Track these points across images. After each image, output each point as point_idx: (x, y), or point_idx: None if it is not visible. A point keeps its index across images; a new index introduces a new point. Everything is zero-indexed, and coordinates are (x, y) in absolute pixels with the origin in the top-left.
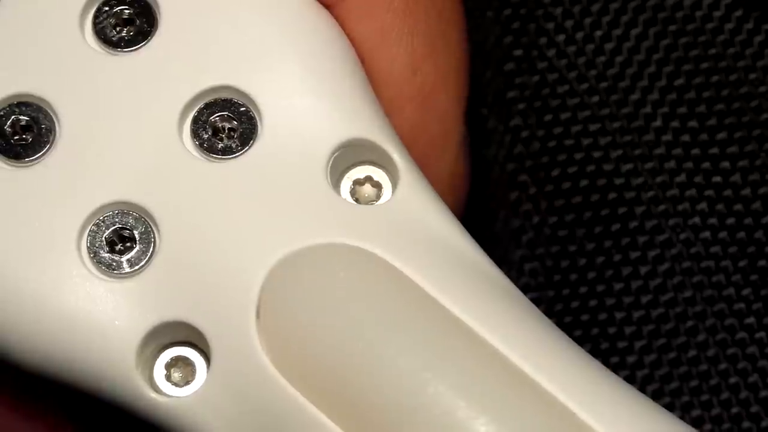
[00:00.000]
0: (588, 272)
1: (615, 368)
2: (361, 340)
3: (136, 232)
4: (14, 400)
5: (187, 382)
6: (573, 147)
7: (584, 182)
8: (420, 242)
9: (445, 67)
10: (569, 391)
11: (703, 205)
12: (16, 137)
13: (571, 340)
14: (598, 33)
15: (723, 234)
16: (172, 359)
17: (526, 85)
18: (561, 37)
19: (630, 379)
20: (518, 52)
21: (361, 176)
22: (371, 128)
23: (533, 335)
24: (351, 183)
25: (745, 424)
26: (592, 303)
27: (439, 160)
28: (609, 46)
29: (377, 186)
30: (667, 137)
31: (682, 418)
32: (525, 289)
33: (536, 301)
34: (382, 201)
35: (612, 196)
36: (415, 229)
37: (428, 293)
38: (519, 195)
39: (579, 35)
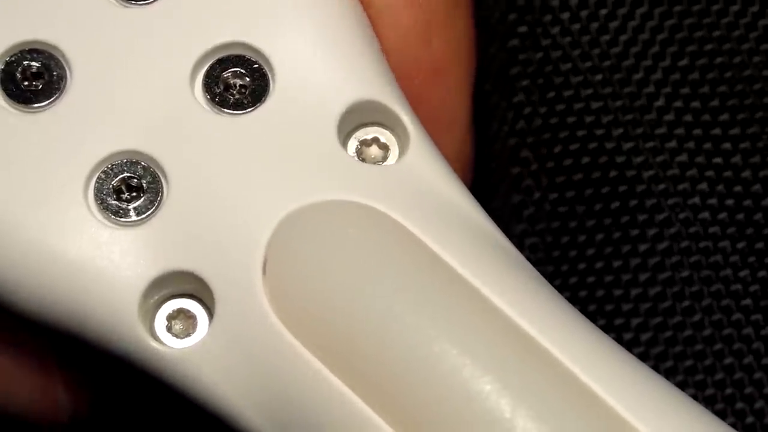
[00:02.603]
0: (587, 249)
1: None
2: (368, 296)
3: (144, 182)
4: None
5: (188, 335)
6: (575, 124)
7: (586, 159)
8: (428, 203)
9: (456, 43)
10: (571, 353)
11: (703, 186)
12: (26, 83)
13: (571, 305)
14: (603, 11)
15: (722, 215)
16: (174, 311)
17: (529, 61)
18: (566, 15)
19: None
20: (522, 29)
21: (369, 137)
22: (382, 90)
23: (536, 297)
24: (358, 143)
25: (739, 405)
26: (590, 279)
27: (447, 136)
28: (613, 24)
29: (384, 148)
30: (670, 117)
31: None
32: None
33: None
34: (388, 163)
35: (613, 173)
36: (423, 190)
37: (436, 253)
38: (520, 170)
39: (584, 13)
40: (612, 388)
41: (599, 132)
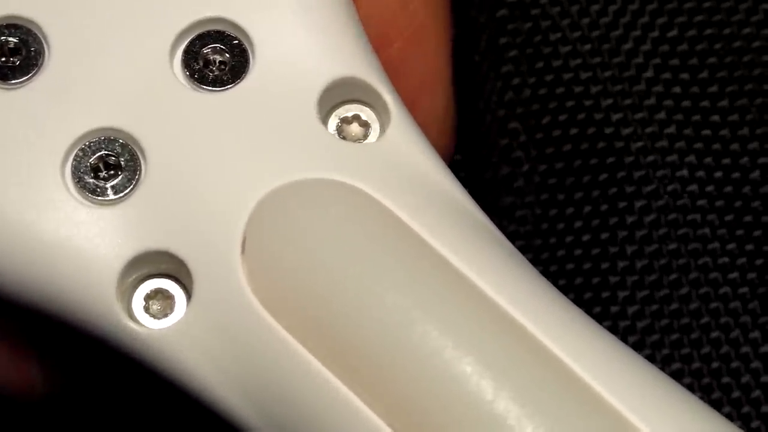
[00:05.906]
0: (575, 221)
1: (598, 318)
2: (348, 276)
3: (121, 159)
4: None
5: (166, 315)
6: (564, 95)
7: (574, 130)
8: (408, 182)
9: (434, 6)
10: (548, 330)
11: (691, 158)
12: (3, 59)
13: (548, 281)
14: None
15: (710, 188)
16: (151, 291)
17: (518, 31)
18: None
19: (612, 330)
20: None
21: (349, 115)
22: (363, 67)
23: (516, 278)
24: (338, 121)
25: (725, 380)
26: (578, 252)
27: (431, 99)
28: None
29: (365, 125)
30: (658, 88)
31: (662, 370)
32: (513, 237)
33: (523, 249)
34: (369, 140)
35: (601, 145)
36: (403, 169)
37: (416, 232)
38: (509, 142)
39: None
40: (588, 364)
41: (588, 103)
